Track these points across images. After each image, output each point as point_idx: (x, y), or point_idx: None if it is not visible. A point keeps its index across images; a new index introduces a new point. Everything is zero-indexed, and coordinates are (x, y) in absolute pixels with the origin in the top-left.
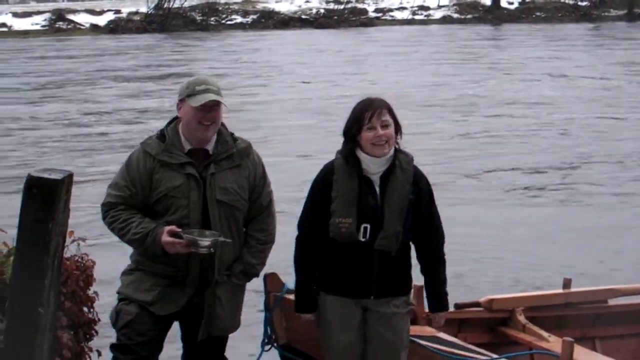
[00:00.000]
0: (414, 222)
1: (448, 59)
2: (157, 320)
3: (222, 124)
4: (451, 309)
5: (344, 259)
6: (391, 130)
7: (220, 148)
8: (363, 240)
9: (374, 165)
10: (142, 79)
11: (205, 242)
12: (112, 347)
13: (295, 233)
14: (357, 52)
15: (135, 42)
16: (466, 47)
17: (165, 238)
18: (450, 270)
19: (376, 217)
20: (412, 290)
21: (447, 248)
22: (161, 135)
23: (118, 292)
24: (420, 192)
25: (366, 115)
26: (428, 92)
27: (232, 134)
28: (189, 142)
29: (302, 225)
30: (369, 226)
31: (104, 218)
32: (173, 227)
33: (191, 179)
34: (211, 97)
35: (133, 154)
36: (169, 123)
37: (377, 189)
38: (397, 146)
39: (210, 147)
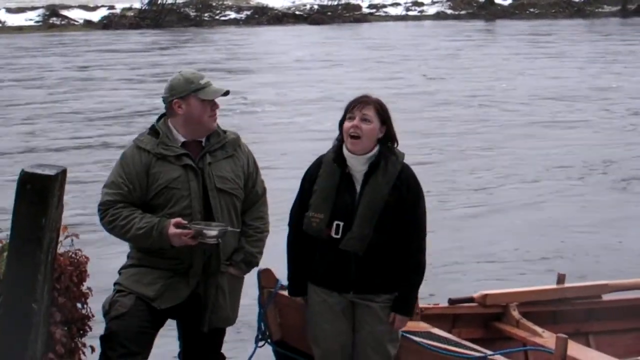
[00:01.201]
0: (393, 225)
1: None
2: (153, 314)
3: None
4: (445, 304)
5: (324, 252)
6: (370, 126)
7: (213, 139)
8: (336, 237)
9: (355, 163)
10: None
11: (213, 232)
12: (102, 338)
13: None
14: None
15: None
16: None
17: (172, 230)
18: None
19: (350, 216)
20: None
21: None
22: (153, 130)
23: (116, 284)
24: (402, 196)
25: (351, 106)
26: None
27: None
28: (181, 136)
29: (291, 214)
30: (342, 224)
31: (102, 218)
32: (179, 219)
33: (189, 170)
34: (221, 88)
35: (126, 152)
36: (158, 119)
37: (358, 188)
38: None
39: (202, 139)
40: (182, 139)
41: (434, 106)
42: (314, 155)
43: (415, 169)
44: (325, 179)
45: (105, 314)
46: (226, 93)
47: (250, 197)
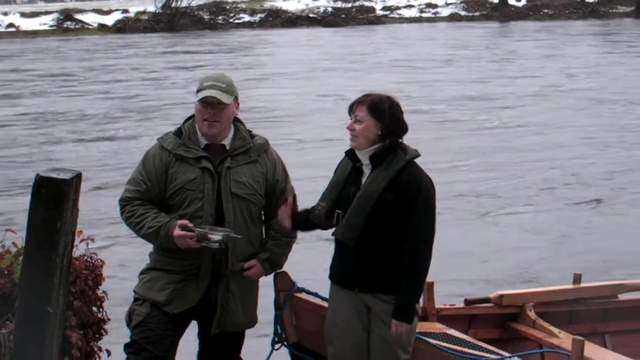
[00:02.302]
0: (392, 222)
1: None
2: (170, 318)
3: (239, 120)
4: (461, 304)
5: (335, 247)
6: (362, 126)
7: (237, 143)
8: (336, 226)
9: (362, 157)
10: None
11: (217, 236)
12: (126, 346)
13: None
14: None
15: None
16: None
17: (177, 232)
18: None
19: (348, 206)
20: None
21: None
22: (178, 131)
23: (134, 291)
24: (401, 193)
25: (350, 106)
26: None
27: (249, 131)
28: (205, 138)
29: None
30: (342, 213)
31: (121, 213)
32: (185, 222)
33: (206, 173)
34: (210, 92)
35: (150, 150)
36: (187, 120)
37: (363, 181)
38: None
39: (227, 142)
40: (205, 141)
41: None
42: None
43: None
44: (338, 172)
45: (128, 324)
46: (215, 100)
47: (279, 203)
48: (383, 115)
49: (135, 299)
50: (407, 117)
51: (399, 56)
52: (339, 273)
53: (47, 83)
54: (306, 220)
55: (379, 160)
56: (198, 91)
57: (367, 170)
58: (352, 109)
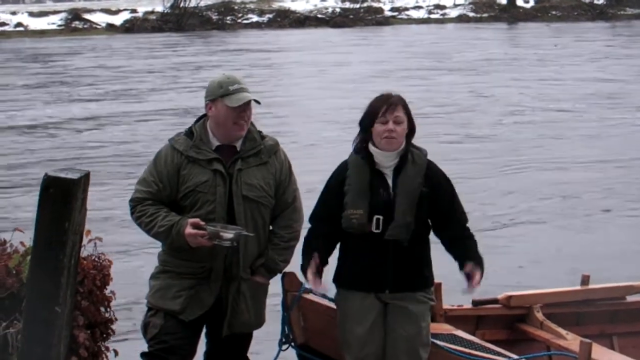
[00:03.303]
0: (431, 215)
1: None
2: (185, 326)
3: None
4: (469, 305)
5: (359, 251)
6: (403, 126)
7: (248, 145)
8: (376, 231)
9: (385, 159)
10: None
11: (229, 234)
12: (143, 355)
13: None
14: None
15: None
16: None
17: (189, 230)
18: None
19: (388, 209)
20: (432, 287)
21: None
22: (189, 132)
23: (147, 300)
24: (435, 186)
25: (381, 109)
26: None
27: (260, 132)
28: (217, 139)
29: (312, 218)
30: (381, 218)
31: (132, 214)
32: (197, 220)
33: (217, 175)
34: (247, 96)
35: (161, 150)
36: (197, 120)
37: (390, 182)
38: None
39: (238, 143)
40: (217, 143)
41: None
42: None
43: None
44: (356, 178)
45: (144, 335)
46: (256, 102)
47: (279, 204)
48: (410, 114)
49: (149, 309)
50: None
51: (479, 56)
52: (364, 277)
53: (159, 79)
54: (326, 258)
55: (404, 160)
56: (224, 95)
57: (388, 172)
58: (385, 112)
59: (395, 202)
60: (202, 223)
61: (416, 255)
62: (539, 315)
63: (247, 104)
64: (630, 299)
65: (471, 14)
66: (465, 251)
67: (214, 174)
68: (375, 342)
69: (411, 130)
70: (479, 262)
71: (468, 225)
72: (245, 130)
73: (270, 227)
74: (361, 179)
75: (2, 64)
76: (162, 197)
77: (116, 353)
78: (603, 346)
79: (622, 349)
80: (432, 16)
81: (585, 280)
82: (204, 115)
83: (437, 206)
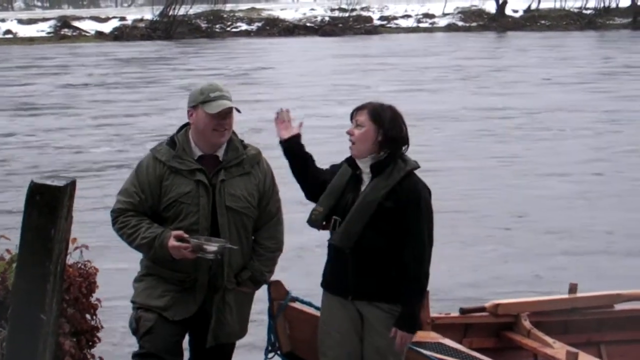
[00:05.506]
0: (391, 231)
1: None
2: (175, 325)
3: (232, 131)
4: (456, 313)
5: (329, 254)
6: (361, 131)
7: (230, 154)
8: (332, 232)
9: (362, 165)
10: None
11: (212, 247)
12: (136, 355)
13: None
14: None
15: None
16: None
17: (172, 242)
18: None
19: (346, 213)
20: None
21: None
22: (171, 141)
23: (132, 301)
24: (401, 202)
25: (351, 113)
26: None
27: (242, 141)
28: (199, 149)
29: None
30: (339, 220)
31: (113, 224)
32: (180, 232)
33: (200, 186)
34: (227, 103)
35: (143, 161)
36: (179, 130)
37: (363, 188)
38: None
39: (220, 153)
40: (199, 153)
41: None
42: None
43: None
44: (337, 177)
45: (134, 332)
46: (231, 110)
47: (263, 215)
48: (383, 122)
49: (138, 308)
50: None
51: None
52: (332, 280)
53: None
54: (300, 153)
55: (379, 170)
56: (204, 102)
57: (366, 178)
58: (353, 115)
59: (351, 208)
60: (186, 236)
61: (376, 267)
62: (527, 324)
63: (229, 113)
64: (617, 307)
65: (460, 23)
66: (402, 307)
67: (197, 184)
68: (349, 345)
69: (392, 139)
70: (405, 327)
71: (423, 262)
72: (225, 137)
73: (253, 237)
74: (339, 179)
75: None
76: (144, 208)
77: None
78: (590, 354)
79: (610, 357)
80: (421, 25)
81: (572, 288)
82: (187, 124)
83: (399, 224)
